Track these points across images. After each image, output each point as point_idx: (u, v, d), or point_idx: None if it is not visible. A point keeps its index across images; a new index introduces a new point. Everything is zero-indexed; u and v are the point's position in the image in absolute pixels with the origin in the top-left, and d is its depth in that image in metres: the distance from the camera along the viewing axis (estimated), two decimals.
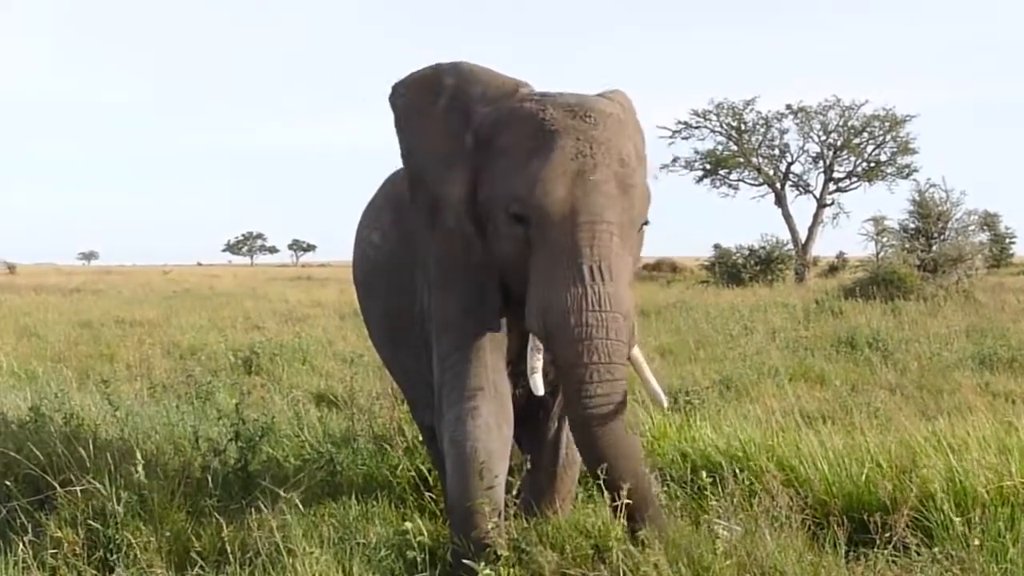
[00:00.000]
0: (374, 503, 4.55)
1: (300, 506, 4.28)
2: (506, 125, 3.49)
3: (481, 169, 3.55)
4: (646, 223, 3.60)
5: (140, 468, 4.35)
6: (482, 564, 3.28)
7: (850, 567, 3.54)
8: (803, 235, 31.17)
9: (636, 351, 3.47)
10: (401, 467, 5.02)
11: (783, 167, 32.36)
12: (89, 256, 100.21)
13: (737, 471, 4.46)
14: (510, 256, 3.47)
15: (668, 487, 4.46)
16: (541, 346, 3.36)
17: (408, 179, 3.87)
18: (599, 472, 3.31)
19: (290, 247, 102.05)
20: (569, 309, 3.24)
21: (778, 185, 32.13)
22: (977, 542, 3.52)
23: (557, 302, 3.27)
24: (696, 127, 32.43)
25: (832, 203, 31.74)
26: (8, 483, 4.75)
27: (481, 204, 3.54)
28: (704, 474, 4.26)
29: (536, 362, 3.35)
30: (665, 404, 3.64)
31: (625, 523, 3.40)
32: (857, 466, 4.39)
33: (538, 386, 3.35)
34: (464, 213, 3.59)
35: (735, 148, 32.31)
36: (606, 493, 3.41)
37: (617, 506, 3.32)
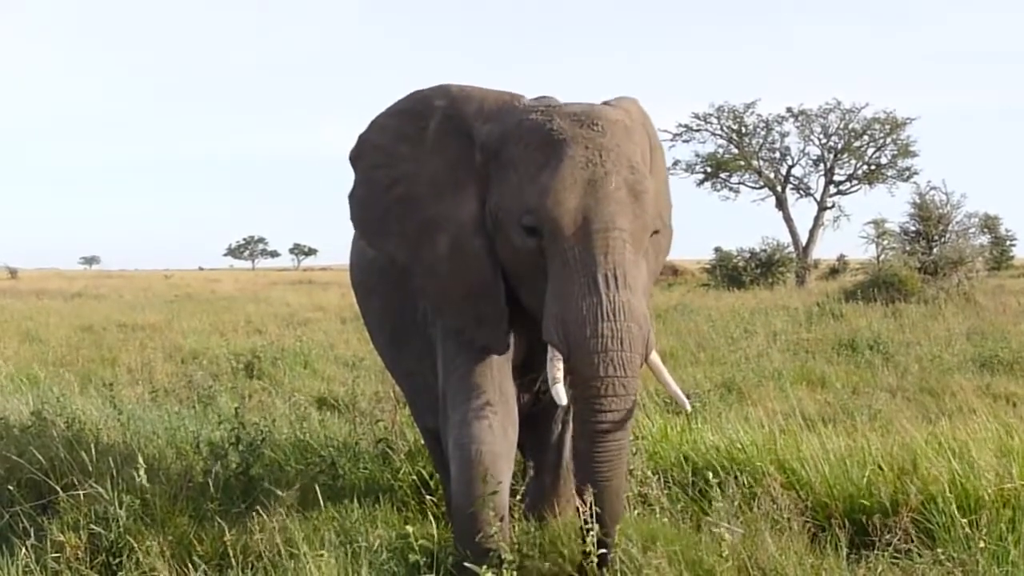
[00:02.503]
0: (376, 507, 4.56)
1: (302, 510, 4.29)
2: (513, 137, 3.47)
3: (490, 183, 3.53)
4: (655, 232, 3.59)
5: (142, 472, 4.37)
6: (485, 568, 3.28)
7: (851, 569, 3.55)
8: (804, 238, 31.18)
9: (655, 357, 3.44)
10: (403, 471, 5.03)
11: (784, 170, 32.39)
12: (91, 260, 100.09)
13: (738, 474, 4.47)
14: (523, 268, 3.45)
15: (670, 490, 4.46)
16: (560, 355, 3.32)
17: (379, 213, 3.80)
18: (589, 477, 3.29)
19: (291, 251, 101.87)
20: (586, 319, 3.22)
21: (779, 188, 32.13)
22: (981, 544, 3.52)
23: (573, 313, 3.25)
24: (697, 130, 32.47)
25: (833, 206, 31.78)
26: (10, 487, 4.76)
27: (492, 218, 3.52)
28: (706, 476, 4.27)
29: (557, 372, 3.30)
30: (688, 408, 3.61)
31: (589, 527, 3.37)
32: (858, 468, 4.39)
33: (561, 396, 3.31)
34: (473, 230, 3.58)
35: (736, 151, 32.32)
36: (581, 499, 3.36)
37: (591, 512, 3.29)
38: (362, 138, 3.93)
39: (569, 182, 3.29)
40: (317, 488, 4.33)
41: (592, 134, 3.37)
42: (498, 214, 3.48)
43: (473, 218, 3.58)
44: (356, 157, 3.93)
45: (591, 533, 3.26)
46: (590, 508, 3.26)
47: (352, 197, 3.92)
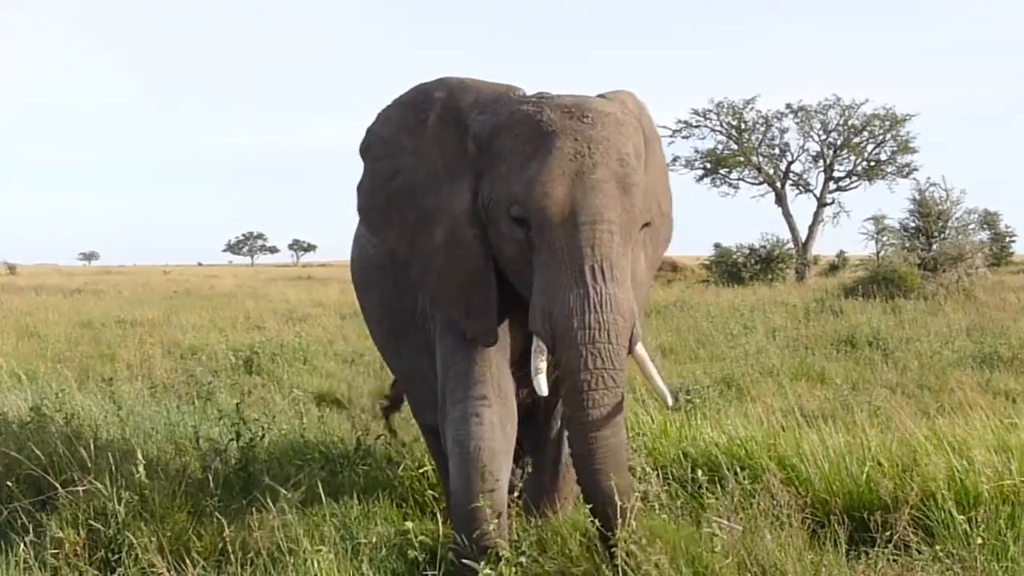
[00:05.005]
0: (376, 503, 4.55)
1: (301, 506, 4.28)
2: (504, 128, 3.48)
3: (482, 174, 3.54)
4: (647, 224, 3.59)
5: (141, 468, 4.36)
6: (483, 564, 3.28)
7: (851, 566, 3.55)
8: (803, 234, 31.14)
9: (641, 349, 3.46)
10: (402, 466, 5.03)
11: (783, 166, 32.33)
12: (89, 256, 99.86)
13: (738, 470, 4.46)
14: (513, 259, 3.47)
15: (669, 486, 4.45)
16: (545, 347, 3.35)
17: (381, 204, 3.83)
18: (591, 476, 3.32)
19: (291, 247, 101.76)
20: (572, 311, 3.24)
21: (778, 184, 32.10)
22: (980, 541, 3.52)
23: (560, 304, 3.26)
24: (696, 126, 32.40)
25: (832, 202, 31.73)
26: (9, 483, 4.75)
27: (483, 208, 3.54)
28: (705, 473, 4.27)
29: (540, 363, 3.34)
30: (671, 402, 3.62)
31: (599, 522, 3.41)
32: (858, 465, 4.39)
33: (542, 387, 3.34)
34: (466, 221, 3.59)
35: (735, 147, 32.27)
36: (591, 494, 3.40)
37: (609, 510, 3.32)
38: (369, 130, 3.98)
39: (557, 174, 3.30)
40: (317, 484, 4.33)
41: (582, 126, 3.37)
42: (489, 205, 3.50)
43: (466, 209, 3.59)
44: (365, 148, 3.97)
45: (619, 530, 3.28)
46: (615, 506, 3.28)
47: (360, 187, 3.96)
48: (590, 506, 3.42)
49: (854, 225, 50.58)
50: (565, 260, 3.27)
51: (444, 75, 3.85)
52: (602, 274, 3.25)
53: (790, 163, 32.27)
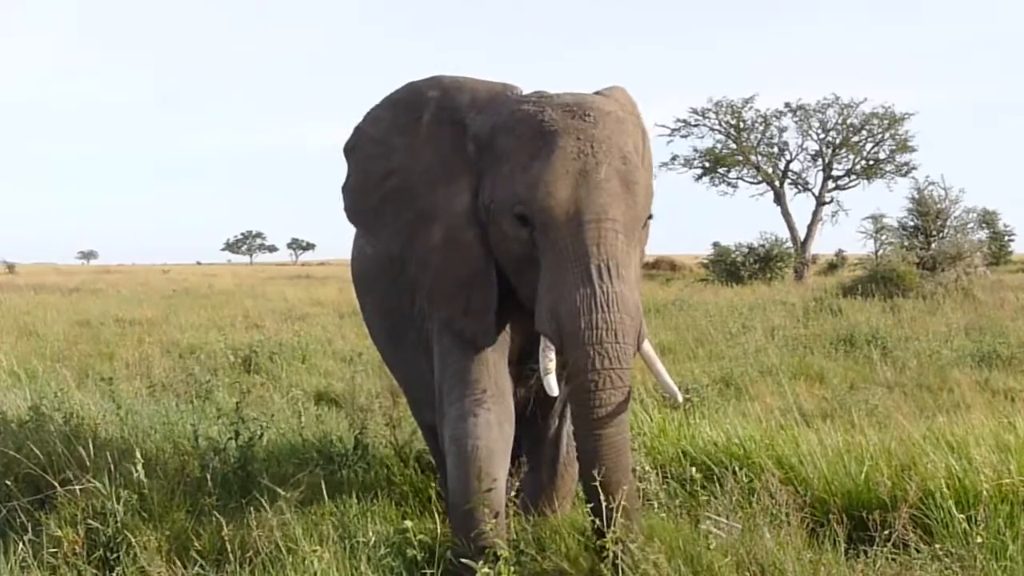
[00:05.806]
0: (374, 502, 4.55)
1: (300, 505, 4.28)
2: (505, 128, 3.48)
3: (483, 174, 3.54)
4: (649, 218, 3.62)
5: (140, 467, 4.36)
6: (481, 564, 3.28)
7: (850, 564, 3.55)
8: (802, 233, 31.16)
9: (647, 347, 3.46)
10: (401, 465, 5.02)
11: (782, 165, 32.38)
12: (88, 255, 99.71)
13: (736, 469, 4.46)
14: (516, 258, 3.46)
15: (667, 485, 4.45)
16: (552, 346, 3.34)
17: (375, 204, 3.82)
18: (595, 473, 3.32)
19: (289, 246, 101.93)
20: (579, 311, 3.24)
21: (777, 183, 32.13)
22: (979, 539, 3.52)
23: (567, 304, 3.26)
24: (695, 125, 32.44)
25: (831, 201, 31.77)
26: (8, 482, 4.75)
27: (484, 208, 3.53)
28: (703, 472, 4.27)
29: (549, 363, 3.33)
30: (680, 399, 3.63)
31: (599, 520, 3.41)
32: (856, 464, 4.39)
33: (552, 387, 3.33)
34: (466, 221, 3.58)
35: (734, 146, 32.31)
36: (600, 493, 3.40)
37: (610, 507, 3.32)
38: (358, 129, 3.95)
39: (560, 173, 3.30)
40: (316, 483, 4.32)
41: (584, 125, 3.37)
42: (491, 205, 3.50)
43: (466, 209, 3.59)
44: (351, 148, 3.94)
45: (611, 530, 3.28)
46: (616, 507, 3.29)
47: (346, 188, 3.93)
48: (591, 504, 3.41)
49: (853, 224, 50.69)
50: (571, 259, 3.27)
51: (435, 74, 3.83)
52: (608, 273, 3.26)
53: (789, 162, 32.34)
